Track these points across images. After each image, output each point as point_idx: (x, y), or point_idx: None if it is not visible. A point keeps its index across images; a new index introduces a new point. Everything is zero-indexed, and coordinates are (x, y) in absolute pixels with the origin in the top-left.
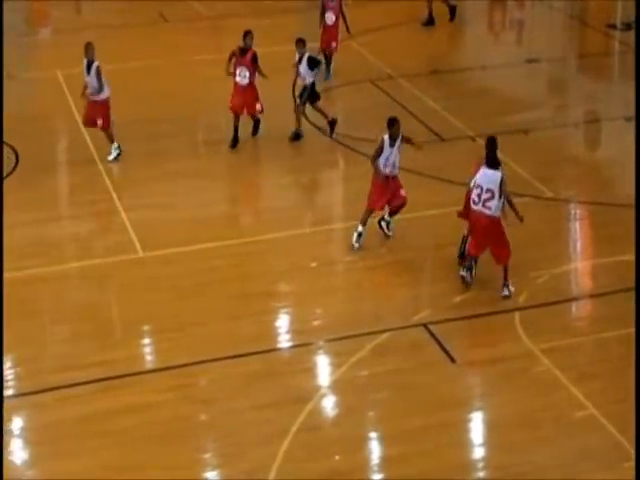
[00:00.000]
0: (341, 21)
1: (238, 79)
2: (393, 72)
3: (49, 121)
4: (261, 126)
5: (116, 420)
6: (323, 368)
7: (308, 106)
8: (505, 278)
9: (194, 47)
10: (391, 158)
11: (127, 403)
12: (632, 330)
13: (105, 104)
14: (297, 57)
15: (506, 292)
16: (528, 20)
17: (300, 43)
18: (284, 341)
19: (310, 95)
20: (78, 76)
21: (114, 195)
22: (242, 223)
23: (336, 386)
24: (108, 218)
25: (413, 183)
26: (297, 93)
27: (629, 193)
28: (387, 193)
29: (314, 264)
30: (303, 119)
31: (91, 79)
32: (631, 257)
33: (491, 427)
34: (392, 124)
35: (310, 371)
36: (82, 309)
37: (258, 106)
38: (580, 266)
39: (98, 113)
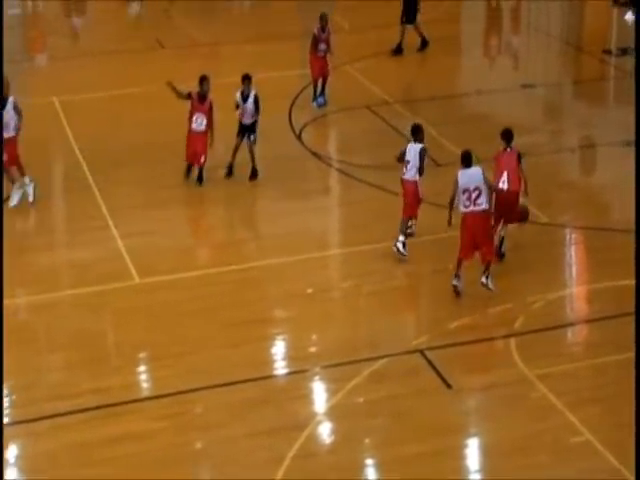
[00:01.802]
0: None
1: (194, 126)
2: (389, 98)
3: (45, 147)
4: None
5: (111, 448)
6: (319, 395)
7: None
8: (487, 269)
9: (190, 73)
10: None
11: (122, 431)
12: (628, 355)
13: (10, 142)
14: (241, 93)
15: (484, 279)
16: (524, 46)
17: (247, 80)
18: (280, 368)
19: (252, 130)
20: (75, 103)
21: (110, 222)
22: (238, 249)
23: (332, 413)
24: (104, 244)
25: None
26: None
27: (625, 218)
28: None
29: (310, 290)
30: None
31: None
32: (627, 282)
33: (487, 453)
34: (418, 131)
35: (306, 398)
36: (77, 336)
37: (202, 159)
38: (576, 291)
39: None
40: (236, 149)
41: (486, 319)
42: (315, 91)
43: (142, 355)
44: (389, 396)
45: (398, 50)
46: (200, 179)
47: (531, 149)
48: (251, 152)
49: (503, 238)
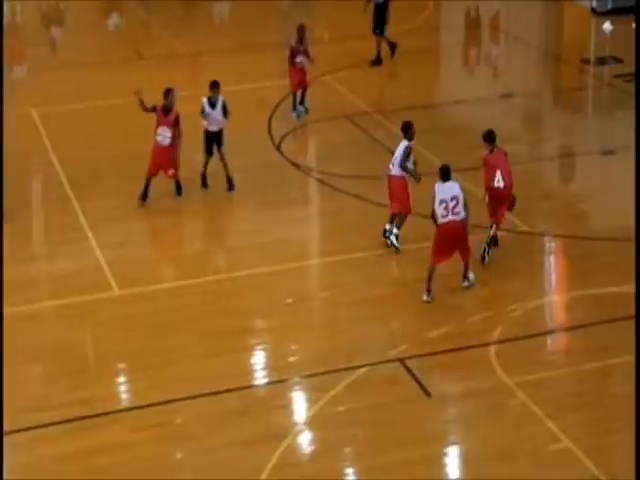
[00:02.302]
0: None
1: (159, 139)
2: (369, 108)
3: (24, 159)
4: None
5: (92, 459)
6: (299, 404)
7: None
8: (466, 269)
9: (170, 84)
10: (412, 161)
11: (103, 442)
12: (607, 362)
13: None
14: (208, 100)
15: (466, 283)
16: (502, 55)
17: (215, 87)
18: (260, 378)
19: (219, 141)
20: (53, 114)
21: (89, 233)
22: (217, 260)
23: (312, 422)
24: (83, 256)
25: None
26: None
27: (603, 226)
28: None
29: (290, 300)
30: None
31: None
32: (606, 290)
33: (467, 461)
34: (406, 128)
35: (286, 407)
36: (57, 348)
37: (171, 172)
38: (555, 299)
39: None
40: (206, 162)
41: (465, 327)
42: (294, 102)
43: (122, 366)
44: (369, 405)
45: (377, 61)
46: (179, 190)
47: (510, 158)
48: (224, 163)
49: (491, 238)
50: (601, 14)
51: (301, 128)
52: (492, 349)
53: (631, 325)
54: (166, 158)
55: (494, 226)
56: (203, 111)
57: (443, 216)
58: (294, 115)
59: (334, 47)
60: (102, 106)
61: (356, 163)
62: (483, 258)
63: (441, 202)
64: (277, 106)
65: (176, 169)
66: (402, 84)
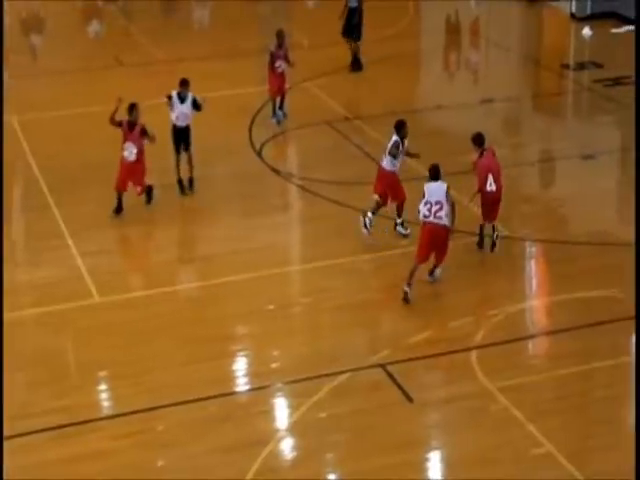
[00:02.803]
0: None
1: (125, 154)
2: (349, 114)
3: (4, 167)
4: (154, 193)
5: (74, 467)
6: (281, 410)
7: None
8: (434, 268)
9: (150, 91)
10: (401, 157)
11: (85, 450)
12: (588, 367)
13: None
14: (177, 94)
15: (430, 279)
16: (483, 61)
17: (185, 84)
18: (242, 384)
19: (187, 140)
20: (33, 121)
21: (69, 240)
22: (198, 267)
23: (295, 428)
24: (63, 263)
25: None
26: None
27: (584, 231)
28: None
29: (271, 306)
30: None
31: None
32: (586, 294)
33: (450, 466)
34: (398, 126)
35: (268, 414)
36: (38, 356)
37: (139, 189)
38: (536, 304)
39: None
40: (177, 164)
41: (447, 332)
42: (274, 107)
43: (103, 373)
44: (351, 411)
45: (356, 66)
46: (149, 198)
47: None
48: (190, 165)
49: (494, 228)
50: (580, 19)
51: (282, 134)
52: (474, 354)
53: (611, 329)
54: (133, 174)
55: (493, 225)
56: (171, 104)
57: (425, 216)
58: (274, 120)
59: (314, 53)
60: (82, 113)
61: (337, 169)
62: (493, 246)
63: (426, 203)
64: (258, 112)
65: (143, 185)
66: (383, 90)
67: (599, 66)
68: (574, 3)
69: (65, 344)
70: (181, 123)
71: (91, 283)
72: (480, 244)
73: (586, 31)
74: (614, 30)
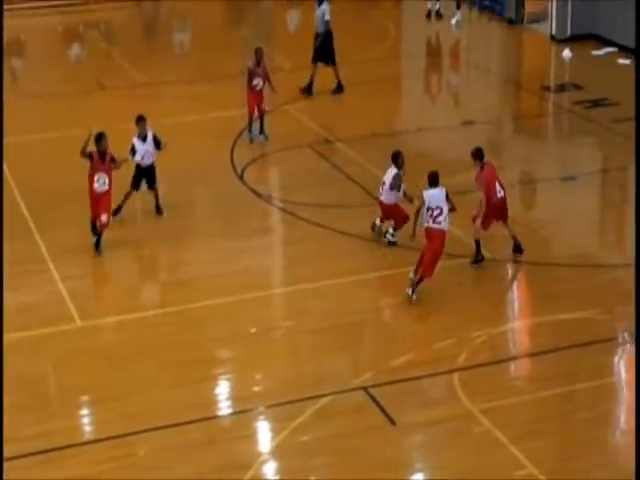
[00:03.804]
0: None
1: (96, 186)
2: (331, 136)
3: None
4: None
5: None
6: (264, 434)
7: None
8: (417, 283)
9: (132, 114)
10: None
11: (66, 475)
12: (570, 388)
13: None
14: (137, 136)
15: (409, 291)
16: (464, 83)
17: (142, 121)
18: (224, 408)
19: (151, 178)
20: (14, 145)
21: (51, 265)
22: (179, 290)
23: (277, 452)
24: (44, 287)
25: (353, 246)
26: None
27: (565, 252)
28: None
29: (253, 330)
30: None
31: None
32: (568, 315)
33: None
34: (395, 157)
35: (251, 437)
36: (19, 380)
37: (104, 217)
38: (518, 325)
39: None
40: (128, 195)
41: (429, 355)
42: (250, 124)
43: (84, 398)
44: (334, 434)
45: (339, 88)
46: (98, 244)
47: (472, 186)
48: (156, 195)
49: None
50: (561, 41)
51: (263, 157)
52: (456, 376)
53: (593, 350)
54: (106, 203)
55: (508, 229)
56: (133, 151)
57: (427, 222)
58: (248, 137)
59: (295, 76)
60: (64, 137)
61: (318, 191)
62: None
63: (428, 209)
64: (239, 135)
65: (108, 217)
66: (364, 112)
67: (579, 88)
68: (554, 25)
69: (47, 368)
70: (146, 161)
71: (72, 307)
72: (477, 260)
73: (566, 53)
74: (594, 52)
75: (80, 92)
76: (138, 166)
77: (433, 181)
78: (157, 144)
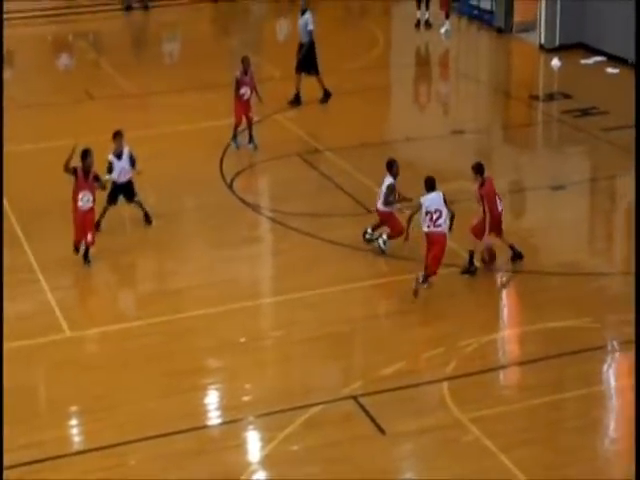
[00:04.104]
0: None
1: (80, 204)
2: (320, 145)
3: None
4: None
5: None
6: (253, 444)
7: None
8: (424, 279)
9: (121, 124)
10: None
11: None
12: (559, 396)
13: None
14: (113, 155)
15: (414, 284)
16: (453, 92)
17: (119, 136)
18: (214, 418)
19: (129, 192)
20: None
21: (40, 275)
22: (168, 300)
23: (267, 461)
24: (34, 298)
25: (342, 256)
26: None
27: (553, 261)
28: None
29: (242, 339)
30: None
31: None
32: (557, 324)
33: None
34: (390, 165)
35: (240, 447)
36: (9, 391)
37: (90, 237)
38: (507, 334)
39: None
40: (105, 210)
41: (419, 364)
42: (235, 133)
43: (74, 408)
44: (323, 443)
45: (326, 97)
46: (86, 257)
47: (461, 195)
48: (140, 206)
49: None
50: (549, 50)
51: (253, 167)
52: (445, 385)
53: (582, 358)
54: (90, 222)
55: (503, 240)
56: (110, 169)
57: (427, 226)
58: (233, 145)
59: (285, 85)
60: (52, 147)
61: (308, 201)
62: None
63: (427, 213)
64: (229, 145)
65: (93, 235)
66: (353, 121)
67: (568, 97)
68: (543, 34)
69: (36, 379)
70: (123, 179)
71: (61, 318)
72: (469, 271)
73: (555, 62)
74: (583, 61)
75: (69, 102)
76: (114, 183)
77: (430, 186)
78: (132, 162)
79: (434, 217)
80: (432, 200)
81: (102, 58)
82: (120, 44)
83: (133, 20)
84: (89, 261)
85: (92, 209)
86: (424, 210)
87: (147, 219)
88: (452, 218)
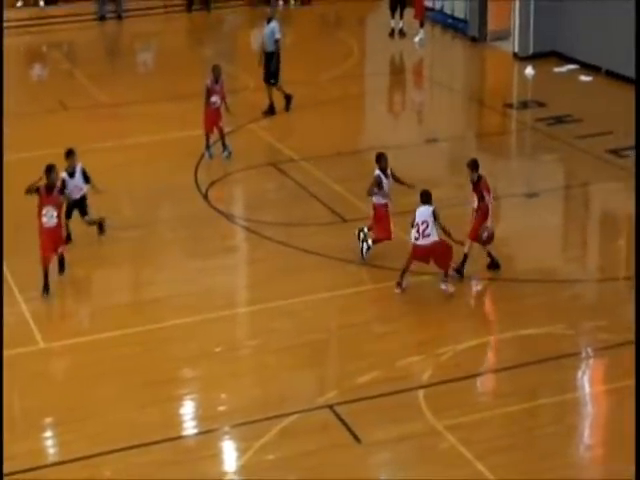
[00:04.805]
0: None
1: (45, 220)
2: (295, 155)
3: None
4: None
5: None
6: (229, 453)
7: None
8: (445, 275)
9: (95, 135)
10: (387, 188)
11: None
12: (536, 403)
13: None
14: (66, 173)
15: (443, 286)
16: (427, 101)
17: (71, 155)
18: (190, 428)
19: (82, 208)
20: None
21: (13, 286)
22: (145, 310)
23: (242, 471)
24: (7, 309)
25: (317, 265)
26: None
27: (528, 268)
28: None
29: (218, 349)
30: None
31: None
32: (532, 331)
33: None
34: (380, 158)
35: (216, 457)
36: None
37: (60, 250)
38: (483, 341)
39: None
40: (67, 226)
41: (394, 372)
42: (207, 142)
43: (48, 420)
44: (299, 453)
45: (287, 102)
46: (62, 267)
47: (436, 203)
48: (90, 224)
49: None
50: (523, 59)
51: (227, 176)
52: (421, 393)
53: (557, 365)
54: (58, 238)
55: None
56: (64, 187)
57: (415, 238)
58: (207, 155)
59: (259, 95)
60: (26, 158)
61: (282, 210)
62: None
63: (414, 225)
64: (203, 155)
65: (63, 248)
66: (328, 130)
67: (542, 105)
68: (517, 43)
69: (10, 391)
70: (76, 195)
71: (35, 329)
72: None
73: (529, 70)
74: (556, 69)
75: (43, 112)
76: (67, 199)
77: (423, 199)
78: (86, 179)
79: (421, 229)
80: (420, 213)
81: (76, 68)
82: (94, 54)
83: (107, 30)
84: (63, 269)
85: (58, 225)
86: (414, 222)
87: (100, 229)
88: (445, 231)
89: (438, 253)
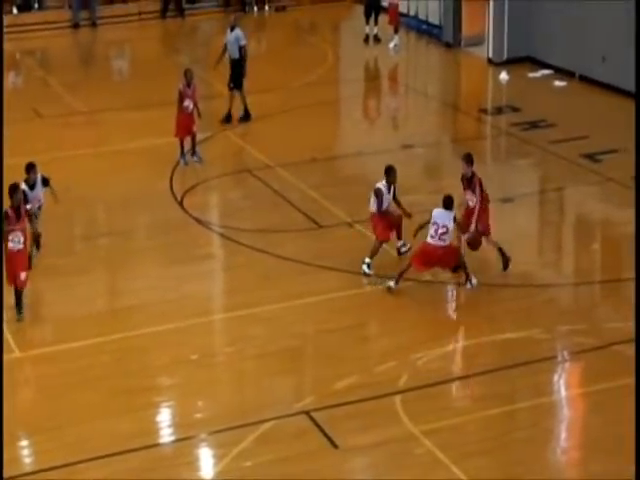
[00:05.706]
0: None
1: (11, 245)
2: (270, 161)
3: None
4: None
5: None
6: (206, 460)
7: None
8: (466, 276)
9: (71, 142)
10: (387, 202)
11: None
12: (512, 407)
13: None
14: (25, 182)
15: (469, 285)
16: (402, 107)
17: (32, 169)
18: (166, 435)
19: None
20: None
21: None
22: (121, 318)
23: (220, 478)
24: None
25: (292, 271)
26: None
27: (505, 273)
28: (392, 226)
29: (194, 356)
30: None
31: None
32: (510, 335)
33: None
34: (390, 171)
35: (193, 464)
36: None
37: (23, 276)
38: (460, 346)
39: None
40: (37, 236)
41: (371, 378)
42: (182, 148)
43: (25, 429)
44: (276, 459)
45: (246, 117)
46: (19, 306)
47: (412, 208)
48: (36, 240)
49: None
50: (497, 64)
51: (203, 183)
52: (398, 398)
53: (533, 369)
54: (22, 262)
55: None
56: (26, 199)
57: (431, 236)
58: (181, 162)
59: (234, 102)
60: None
61: (259, 217)
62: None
63: (434, 223)
64: (178, 162)
65: (27, 274)
66: (304, 137)
67: (516, 110)
68: (491, 48)
69: None
70: (35, 207)
71: (11, 338)
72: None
73: (503, 76)
74: (531, 74)
75: (16, 120)
76: (26, 211)
77: (447, 204)
78: (45, 182)
79: (439, 231)
80: (440, 214)
81: (50, 76)
82: (68, 62)
83: (81, 38)
84: (21, 310)
85: (24, 248)
86: (432, 221)
87: (37, 246)
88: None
89: (446, 257)
